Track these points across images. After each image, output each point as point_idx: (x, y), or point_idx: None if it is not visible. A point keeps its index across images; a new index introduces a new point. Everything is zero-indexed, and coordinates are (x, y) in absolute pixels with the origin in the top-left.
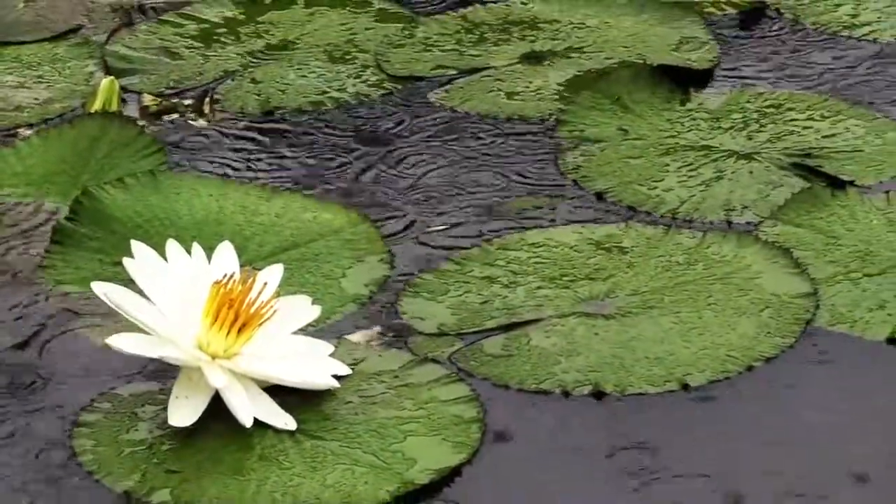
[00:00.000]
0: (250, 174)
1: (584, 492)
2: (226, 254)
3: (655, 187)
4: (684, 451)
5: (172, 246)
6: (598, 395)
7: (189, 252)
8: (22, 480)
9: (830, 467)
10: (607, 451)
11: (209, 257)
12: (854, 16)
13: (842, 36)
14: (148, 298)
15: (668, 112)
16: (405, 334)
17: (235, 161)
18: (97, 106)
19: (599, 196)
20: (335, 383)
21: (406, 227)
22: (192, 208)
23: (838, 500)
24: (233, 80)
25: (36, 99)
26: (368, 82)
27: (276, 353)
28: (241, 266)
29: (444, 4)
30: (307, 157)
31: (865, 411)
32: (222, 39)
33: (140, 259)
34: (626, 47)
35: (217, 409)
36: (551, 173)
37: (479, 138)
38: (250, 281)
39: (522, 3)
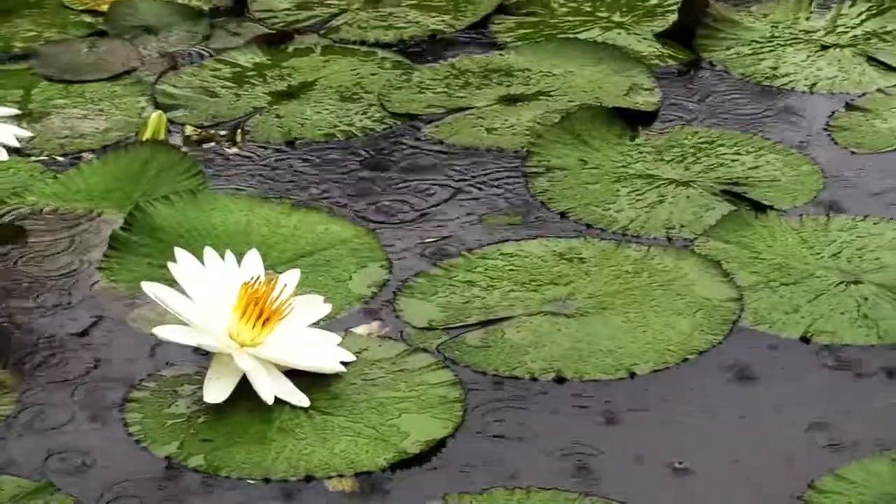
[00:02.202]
0: (274, 193)
1: (544, 460)
2: (253, 259)
3: (609, 208)
4: (631, 426)
5: (209, 252)
6: (560, 380)
7: (223, 258)
8: (89, 442)
9: (751, 436)
10: (566, 426)
11: (239, 262)
12: (774, 68)
13: (764, 85)
14: (188, 296)
15: (619, 146)
16: (401, 328)
17: (261, 182)
18: (147, 135)
19: (562, 215)
20: (342, 368)
21: (402, 239)
22: (226, 221)
23: (750, 460)
24: (260, 115)
25: (97, 128)
26: (373, 118)
27: (294, 342)
28: (266, 270)
29: (436, 55)
30: (321, 180)
31: (781, 393)
32: (252, 81)
33: (182, 263)
34: (585, 92)
35: (244, 388)
36: (523, 195)
37: (464, 166)
38: (273, 282)
39: (500, 54)
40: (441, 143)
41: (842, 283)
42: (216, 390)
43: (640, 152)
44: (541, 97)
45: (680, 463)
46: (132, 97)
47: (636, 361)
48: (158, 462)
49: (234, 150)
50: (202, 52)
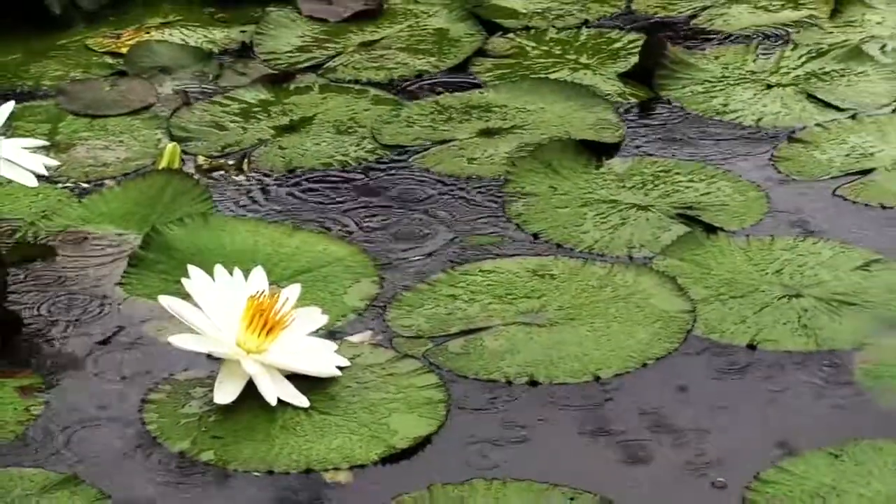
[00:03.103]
0: (277, 216)
1: (521, 451)
2: (258, 276)
3: (576, 230)
4: (594, 423)
5: (219, 269)
6: (533, 383)
7: (231, 274)
8: (110, 438)
9: (705, 429)
10: (539, 424)
11: (246, 278)
12: (725, 105)
13: (715, 120)
14: (200, 308)
15: (586, 174)
16: (390, 337)
17: (266, 207)
18: (163, 164)
19: (535, 236)
20: (338, 372)
21: (392, 257)
22: (234, 241)
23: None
24: (265, 146)
25: (118, 158)
26: (366, 149)
27: (295, 349)
28: (270, 285)
29: (422, 92)
30: (319, 204)
31: (729, 392)
32: (257, 116)
33: (194, 279)
34: (555, 126)
35: (250, 391)
36: (500, 218)
37: (448, 192)
38: (276, 296)
39: (480, 92)
40: (427, 171)
41: (784, 296)
42: (225, 392)
43: (605, 180)
44: (516, 131)
45: (643, 452)
46: (149, 130)
47: (601, 367)
48: (174, 456)
49: (242, 177)
50: (212, 89)
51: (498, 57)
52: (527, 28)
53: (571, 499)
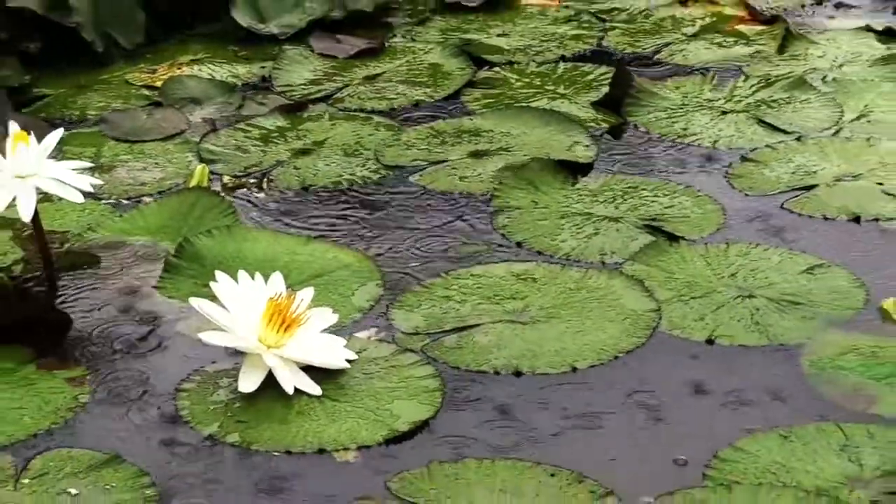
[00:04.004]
0: (293, 228)
1: (508, 433)
2: (277, 280)
3: (555, 239)
4: (572, 408)
5: (242, 275)
6: (518, 374)
7: (253, 279)
8: (148, 423)
9: (670, 414)
10: (523, 409)
11: (266, 282)
12: (685, 129)
13: (677, 142)
14: (226, 309)
15: (563, 190)
16: (393, 333)
17: (283, 220)
18: (194, 183)
19: (519, 244)
20: (347, 365)
21: (394, 263)
22: (255, 250)
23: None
24: (282, 167)
25: (154, 178)
26: (370, 169)
27: (309, 344)
28: (287, 288)
29: (418, 119)
30: (330, 218)
31: (690, 380)
32: (275, 140)
33: (221, 283)
34: (537, 148)
35: (270, 381)
36: (488, 229)
37: (442, 206)
38: (292, 298)
39: (469, 119)
40: (424, 188)
41: (738, 296)
42: (248, 382)
43: (580, 195)
44: (501, 152)
45: (615, 434)
46: (181, 153)
47: (577, 359)
48: (204, 438)
49: (262, 194)
50: (236, 118)
51: (486, 87)
52: (510, 63)
53: (552, 475)
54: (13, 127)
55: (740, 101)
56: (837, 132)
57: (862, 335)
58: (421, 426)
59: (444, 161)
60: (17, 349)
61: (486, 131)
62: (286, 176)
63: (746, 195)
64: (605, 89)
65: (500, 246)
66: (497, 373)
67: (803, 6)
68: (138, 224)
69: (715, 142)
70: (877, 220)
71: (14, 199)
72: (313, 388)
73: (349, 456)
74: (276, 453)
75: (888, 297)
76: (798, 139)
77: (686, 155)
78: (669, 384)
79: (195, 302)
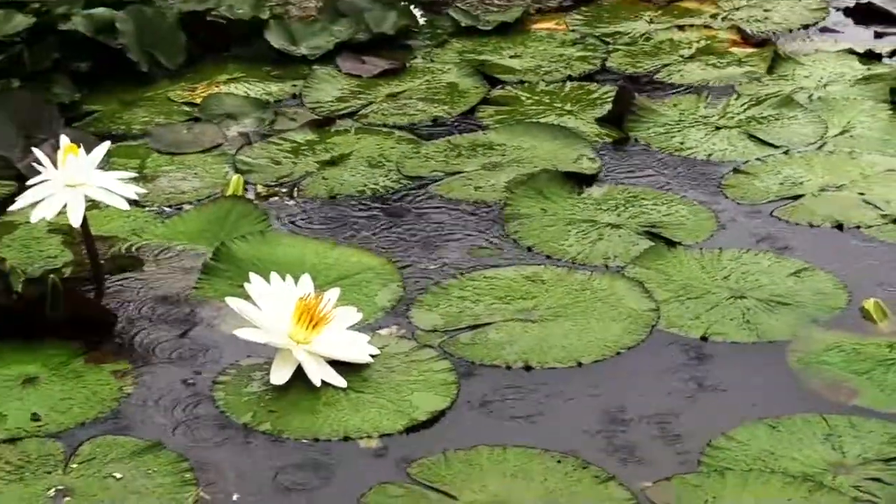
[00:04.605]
0: (320, 234)
1: (516, 426)
2: (306, 281)
3: (563, 244)
4: (577, 399)
5: (274, 276)
6: (528, 368)
7: (284, 280)
8: (187, 412)
9: (668, 404)
10: (533, 400)
11: (296, 283)
12: (682, 143)
13: (674, 155)
14: (259, 307)
15: (570, 199)
16: (412, 331)
17: (312, 226)
18: (230, 192)
19: (529, 249)
20: (370, 359)
21: (414, 266)
22: (286, 254)
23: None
24: (311, 177)
25: (193, 187)
26: (392, 179)
27: (335, 341)
28: (315, 289)
29: (437, 133)
30: (355, 223)
31: (686, 374)
32: (305, 153)
33: (255, 284)
34: (545, 160)
35: (299, 374)
36: (500, 235)
37: (458, 213)
38: (320, 298)
39: (484, 134)
40: (441, 197)
41: (731, 297)
42: (279, 375)
43: (585, 204)
44: (513, 164)
45: (618, 422)
46: (219, 164)
47: (582, 354)
48: (238, 426)
49: (292, 202)
50: (269, 132)
51: (499, 104)
52: (522, 82)
53: (559, 461)
54: (64, 140)
55: (733, 117)
56: (822, 146)
57: (844, 333)
58: (438, 416)
59: (460, 172)
60: (67, 344)
61: (498, 145)
62: (315, 185)
63: (738, 204)
64: (609, 106)
65: (512, 250)
66: (508, 367)
67: (791, 31)
68: (179, 230)
69: (709, 155)
70: (858, 227)
71: (65, 207)
72: (339, 381)
73: (372, 443)
74: (304, 440)
75: (868, 299)
76: (786, 153)
77: (683, 167)
78: (668, 377)
79: (231, 301)
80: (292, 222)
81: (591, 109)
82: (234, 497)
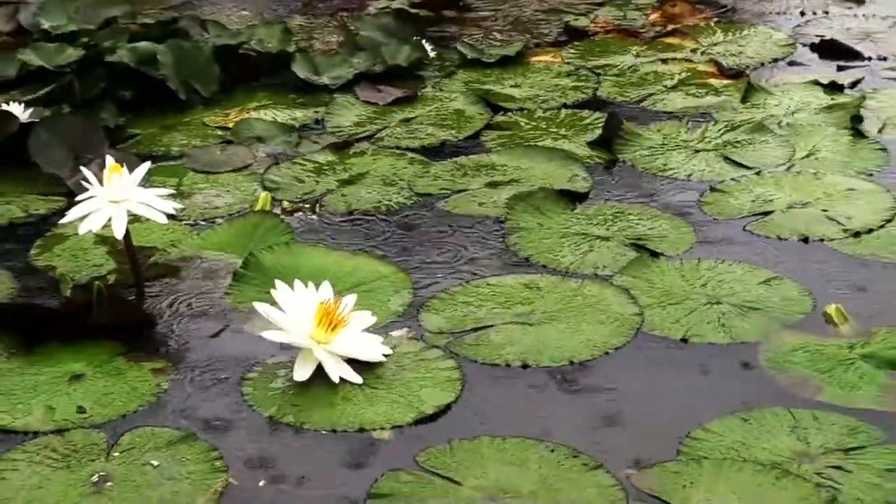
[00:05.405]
0: (339, 245)
1: (517, 415)
2: (326, 288)
3: (557, 255)
4: (570, 394)
5: (298, 283)
6: (525, 366)
7: (306, 286)
8: (218, 406)
9: (652, 399)
10: (530, 395)
11: (317, 289)
12: (665, 164)
13: (658, 175)
14: (284, 311)
15: (564, 215)
16: (421, 333)
17: (332, 238)
18: (258, 207)
19: (527, 259)
20: (384, 358)
21: (423, 274)
22: (308, 263)
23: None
24: (331, 194)
25: (226, 203)
26: (405, 196)
27: (352, 341)
28: (334, 294)
29: (445, 155)
30: (370, 236)
31: (668, 371)
32: (325, 172)
33: (280, 290)
34: (542, 179)
35: (319, 371)
36: (501, 246)
37: (464, 227)
38: (338, 302)
39: (487, 155)
40: (449, 213)
41: (708, 303)
42: (301, 372)
43: (577, 218)
44: (513, 183)
45: (608, 416)
46: (249, 183)
47: (574, 354)
48: (264, 419)
49: (314, 217)
50: (294, 153)
51: (501, 129)
52: (521, 109)
53: (552, 450)
54: (109, 160)
55: (710, 141)
56: (790, 168)
57: (809, 335)
58: (444, 409)
59: (465, 190)
60: (111, 344)
61: (500, 165)
62: (335, 202)
63: (715, 219)
64: (599, 131)
65: (512, 260)
66: (508, 365)
67: (763, 64)
68: (212, 241)
69: (689, 175)
70: (822, 240)
71: (109, 220)
72: (355, 378)
73: (385, 434)
74: (324, 431)
75: (831, 304)
76: (757, 173)
77: (665, 186)
78: (651, 374)
79: (259, 306)
80: (314, 235)
81: (583, 134)
82: (261, 483)
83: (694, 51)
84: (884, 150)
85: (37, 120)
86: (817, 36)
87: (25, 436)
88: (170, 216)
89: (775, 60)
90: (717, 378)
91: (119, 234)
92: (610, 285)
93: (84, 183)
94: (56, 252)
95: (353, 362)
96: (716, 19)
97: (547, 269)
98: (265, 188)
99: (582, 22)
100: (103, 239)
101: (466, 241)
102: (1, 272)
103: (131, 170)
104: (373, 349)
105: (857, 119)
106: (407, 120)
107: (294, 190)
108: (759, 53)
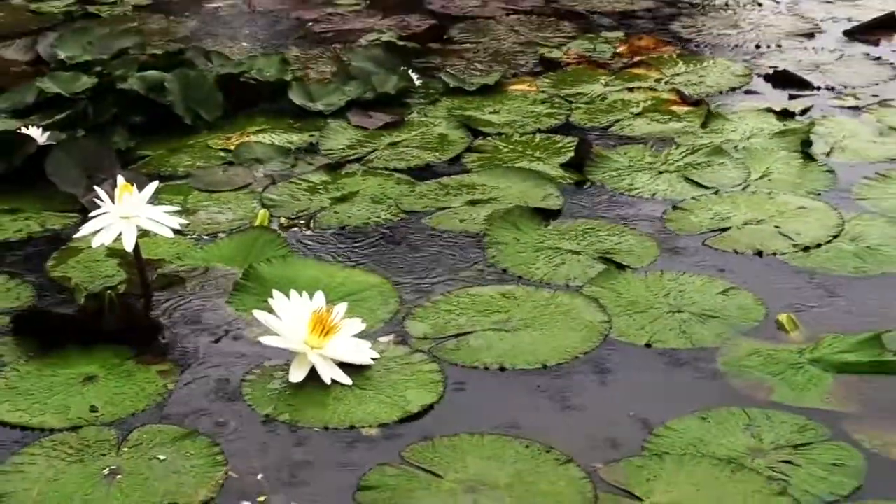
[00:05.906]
0: (331, 258)
1: (494, 414)
2: (319, 297)
3: (532, 267)
4: (544, 394)
5: (293, 293)
6: (502, 369)
7: (301, 296)
8: (220, 405)
9: (619, 398)
10: (506, 396)
11: (311, 299)
12: (631, 184)
13: (625, 194)
14: (280, 319)
15: (538, 231)
16: (407, 339)
17: (325, 252)
18: (257, 223)
19: (504, 271)
20: (372, 362)
21: (409, 285)
22: (303, 275)
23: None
24: (325, 211)
25: (227, 219)
26: (392, 213)
27: (343, 346)
28: (327, 303)
29: (429, 176)
30: (360, 250)
31: (633, 374)
32: (319, 191)
33: (277, 299)
34: (518, 198)
35: (313, 374)
36: (481, 259)
37: (446, 241)
38: (331, 311)
39: (468, 176)
40: (433, 228)
41: (670, 311)
42: (296, 374)
43: (551, 234)
44: (492, 201)
45: (578, 415)
46: (248, 200)
47: (547, 358)
48: (261, 417)
49: (309, 232)
50: (290, 174)
51: (480, 152)
52: (500, 133)
53: (527, 446)
54: (120, 180)
55: (672, 163)
56: (745, 188)
57: (762, 342)
58: (427, 409)
59: (448, 207)
60: (121, 348)
61: (480, 185)
62: (328, 218)
63: (677, 235)
64: (571, 154)
65: (490, 272)
66: (486, 368)
67: (721, 93)
68: (215, 254)
69: (653, 194)
70: (775, 254)
71: (120, 235)
72: (346, 380)
73: (373, 431)
74: (317, 429)
75: (782, 313)
76: (716, 193)
77: (631, 204)
78: (618, 376)
79: (257, 313)
80: (309, 249)
81: (556, 156)
82: (259, 476)
83: (658, 80)
84: (831, 171)
85: (54, 143)
86: (771, 67)
87: (42, 432)
88: (176, 231)
89: (733, 89)
90: (678, 380)
91: (129, 247)
92: (580, 295)
93: (97, 200)
94: (71, 264)
95: (343, 365)
96: (678, 52)
97: (522, 280)
98: (264, 205)
99: (555, 54)
100: (114, 252)
101: (449, 254)
102: (20, 282)
103: (141, 188)
104: (362, 353)
105: (806, 143)
106: (395, 143)
107: (290, 207)
108: (718, 83)
